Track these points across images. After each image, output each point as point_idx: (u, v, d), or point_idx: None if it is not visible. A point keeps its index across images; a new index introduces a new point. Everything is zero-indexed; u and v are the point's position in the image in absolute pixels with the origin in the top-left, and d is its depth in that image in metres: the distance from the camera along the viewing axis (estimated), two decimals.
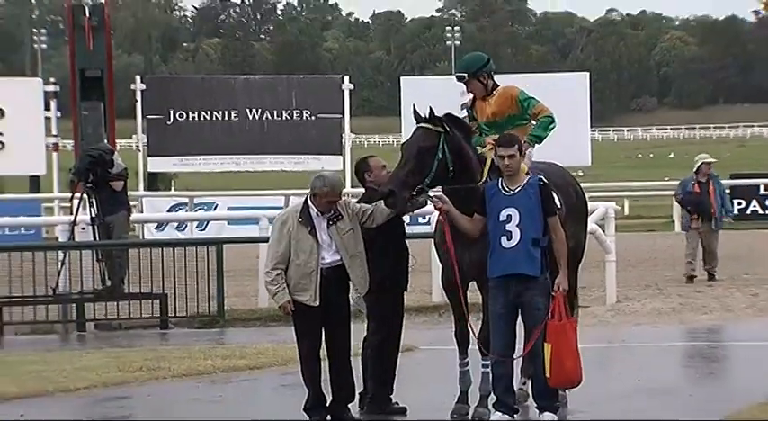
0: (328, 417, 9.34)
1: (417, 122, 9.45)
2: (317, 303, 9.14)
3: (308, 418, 9.29)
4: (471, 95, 10.12)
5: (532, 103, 9.88)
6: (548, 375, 8.91)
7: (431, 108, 9.46)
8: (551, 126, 9.90)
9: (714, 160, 19.87)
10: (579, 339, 9.61)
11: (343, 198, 9.40)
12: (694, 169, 19.31)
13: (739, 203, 34.15)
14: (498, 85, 10.06)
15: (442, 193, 9.33)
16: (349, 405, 9.42)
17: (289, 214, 9.35)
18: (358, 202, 9.82)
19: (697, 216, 18.96)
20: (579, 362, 8.98)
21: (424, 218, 24.07)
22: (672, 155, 79.24)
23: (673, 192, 20.55)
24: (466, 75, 9.98)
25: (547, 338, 8.90)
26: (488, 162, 9.52)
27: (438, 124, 9.35)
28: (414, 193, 9.17)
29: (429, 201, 9.34)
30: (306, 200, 9.31)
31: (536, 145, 9.84)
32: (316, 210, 9.21)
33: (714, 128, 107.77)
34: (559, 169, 10.14)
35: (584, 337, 10.45)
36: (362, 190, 10.13)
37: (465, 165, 9.36)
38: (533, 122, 9.90)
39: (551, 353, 8.87)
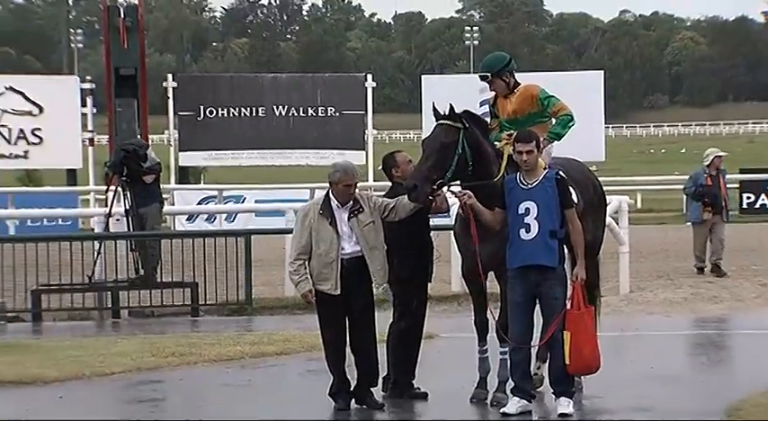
0: (352, 401, 9.36)
1: (437, 119, 9.44)
2: (338, 292, 9.17)
3: (333, 403, 9.30)
4: (493, 93, 10.12)
5: (552, 101, 9.86)
6: (567, 362, 8.90)
7: (450, 105, 9.47)
8: (570, 124, 9.87)
9: (725, 154, 19.79)
10: (598, 327, 9.64)
11: (365, 192, 9.46)
12: (706, 163, 19.19)
13: (748, 197, 34.07)
14: (519, 84, 10.05)
15: (466, 190, 9.32)
16: (372, 389, 9.42)
17: (310, 207, 9.43)
18: (385, 196, 9.85)
19: (710, 208, 18.87)
20: (597, 350, 8.98)
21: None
22: (683, 150, 78.91)
23: (683, 187, 20.28)
24: (489, 74, 9.97)
25: (566, 326, 8.88)
26: (505, 157, 9.52)
27: (458, 120, 9.35)
28: (435, 187, 9.19)
29: (454, 196, 9.33)
30: (327, 193, 9.34)
31: (555, 142, 9.84)
32: (336, 202, 9.25)
33: (724, 125, 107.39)
34: (579, 165, 10.13)
35: (599, 326, 10.43)
36: (389, 184, 10.14)
37: (483, 160, 9.36)
38: (553, 120, 9.89)
39: (570, 341, 8.86)
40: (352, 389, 9.39)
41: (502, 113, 10.00)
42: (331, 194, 9.29)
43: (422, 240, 9.81)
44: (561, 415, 8.90)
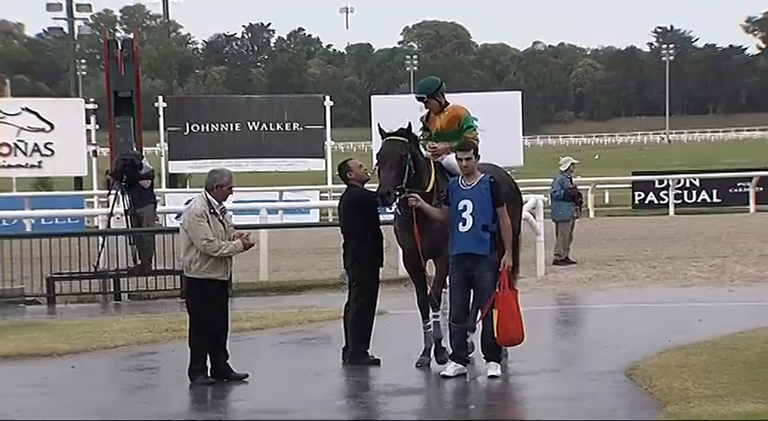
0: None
1: (383, 137, 9.50)
2: (227, 277, 9.21)
3: (191, 380, 8.98)
4: (427, 111, 10.10)
5: (470, 128, 9.91)
6: (495, 336, 8.90)
7: (403, 125, 9.52)
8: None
9: (578, 161, 19.90)
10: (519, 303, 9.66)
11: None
12: (563, 168, 18.80)
13: (639, 195, 34.37)
14: (449, 103, 10.04)
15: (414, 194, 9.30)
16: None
17: (201, 208, 9.04)
18: (342, 197, 9.83)
19: (579, 206, 18.84)
20: (521, 326, 8.95)
21: (391, 207, 24.09)
22: (597, 157, 78.96)
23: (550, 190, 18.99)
24: (425, 95, 9.97)
25: (494, 306, 8.89)
26: (434, 165, 9.59)
27: (405, 136, 9.43)
28: (397, 193, 9.25)
29: (404, 200, 9.30)
30: (206, 196, 9.10)
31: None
32: (216, 203, 9.10)
33: (618, 136, 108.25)
34: (496, 168, 10.12)
35: (521, 302, 10.47)
36: (344, 186, 10.15)
37: (419, 169, 9.43)
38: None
39: (498, 318, 8.86)
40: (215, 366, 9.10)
41: (432, 128, 9.99)
42: (210, 196, 9.06)
43: (376, 229, 9.79)
44: (490, 376, 8.91)
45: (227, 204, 9.46)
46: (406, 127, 9.58)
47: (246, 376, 9.08)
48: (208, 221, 8.97)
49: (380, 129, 9.58)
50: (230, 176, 9.23)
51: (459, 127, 9.87)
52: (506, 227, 9.04)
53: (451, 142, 9.69)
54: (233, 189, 9.24)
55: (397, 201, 9.47)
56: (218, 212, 9.08)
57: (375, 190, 9.36)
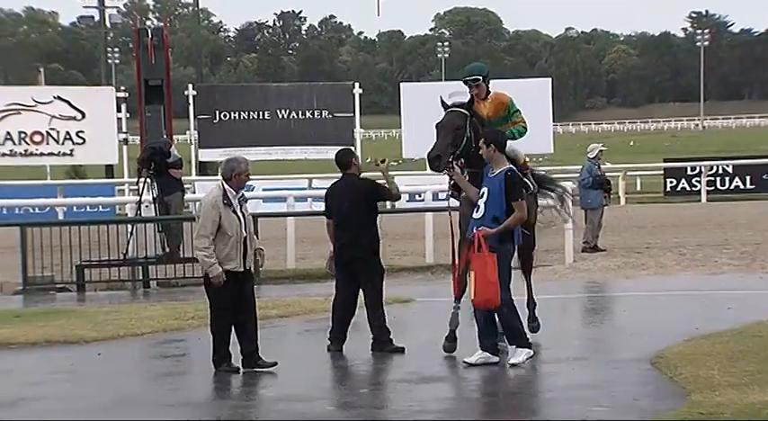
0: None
1: (445, 108, 9.49)
2: (243, 269, 8.93)
3: (215, 368, 8.96)
4: (468, 96, 9.87)
5: (517, 112, 9.93)
6: (472, 298, 8.87)
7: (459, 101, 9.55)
8: (524, 133, 9.97)
9: (607, 148, 19.64)
10: (547, 291, 9.64)
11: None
12: (591, 155, 18.49)
13: (671, 182, 34.12)
14: (491, 91, 9.97)
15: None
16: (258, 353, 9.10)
17: (215, 198, 8.86)
18: (337, 185, 9.80)
19: (607, 194, 18.63)
20: (497, 288, 8.78)
21: (420, 195, 24.04)
22: (632, 143, 78.47)
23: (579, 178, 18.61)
24: (481, 76, 9.85)
25: (471, 267, 8.90)
26: None
27: (466, 109, 9.43)
28: (450, 160, 9.22)
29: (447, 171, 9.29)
30: (222, 185, 8.92)
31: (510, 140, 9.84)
32: (233, 192, 8.91)
33: (651, 122, 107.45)
34: None
35: (549, 290, 10.48)
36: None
37: (477, 147, 9.26)
38: (512, 126, 9.87)
39: (474, 278, 8.83)
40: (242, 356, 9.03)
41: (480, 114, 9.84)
42: (226, 186, 8.88)
43: (376, 216, 9.87)
44: (511, 364, 8.85)
45: (257, 193, 9.37)
46: (468, 100, 9.56)
47: (275, 364, 9.02)
48: (220, 214, 8.77)
49: (443, 102, 9.57)
50: (247, 163, 9.06)
51: (505, 113, 9.86)
52: (516, 218, 8.85)
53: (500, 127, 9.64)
54: (248, 176, 9.07)
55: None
56: (235, 203, 8.88)
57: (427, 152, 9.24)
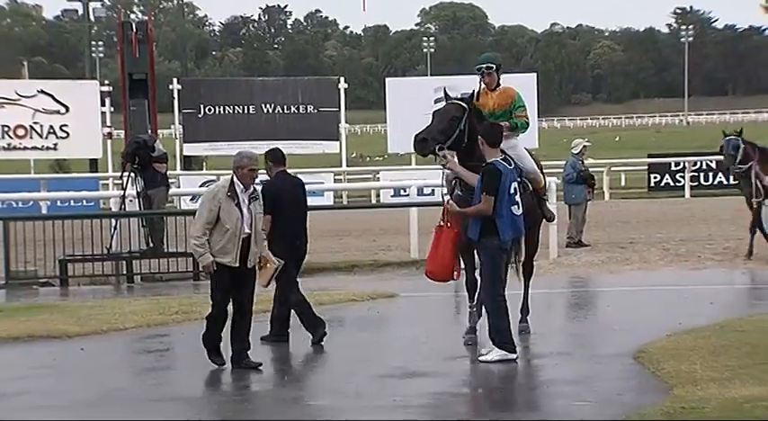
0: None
1: (447, 100, 9.49)
2: (237, 264, 8.69)
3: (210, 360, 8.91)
4: (478, 89, 9.86)
5: (521, 108, 9.96)
6: (426, 266, 9.20)
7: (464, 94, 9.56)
8: (526, 127, 10.05)
9: (590, 143, 19.68)
10: (531, 286, 9.69)
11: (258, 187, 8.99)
12: (576, 151, 18.49)
13: (655, 177, 34.20)
14: (500, 83, 9.95)
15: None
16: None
17: (218, 189, 8.78)
18: (274, 183, 9.86)
19: (591, 189, 18.64)
20: (451, 263, 9.02)
21: (405, 190, 24.04)
22: (618, 138, 78.60)
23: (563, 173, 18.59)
24: (495, 65, 9.86)
25: (432, 240, 9.17)
26: None
27: (466, 103, 9.40)
28: (435, 148, 9.15)
29: (442, 158, 9.24)
30: (232, 177, 8.80)
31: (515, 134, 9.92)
32: (241, 186, 8.74)
33: (636, 117, 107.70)
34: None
35: (533, 285, 10.48)
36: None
37: (472, 138, 9.19)
38: (516, 120, 9.92)
39: (439, 249, 9.03)
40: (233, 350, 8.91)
41: (484, 107, 9.84)
42: (236, 179, 8.75)
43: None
44: (480, 360, 8.79)
45: None
46: (470, 94, 9.58)
47: (260, 364, 8.91)
48: (219, 205, 8.66)
49: (446, 94, 9.57)
50: (250, 158, 8.81)
51: (511, 106, 9.86)
52: (476, 208, 8.82)
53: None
54: (255, 172, 8.80)
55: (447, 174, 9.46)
56: (241, 197, 8.67)
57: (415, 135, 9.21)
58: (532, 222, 9.77)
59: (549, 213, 10.48)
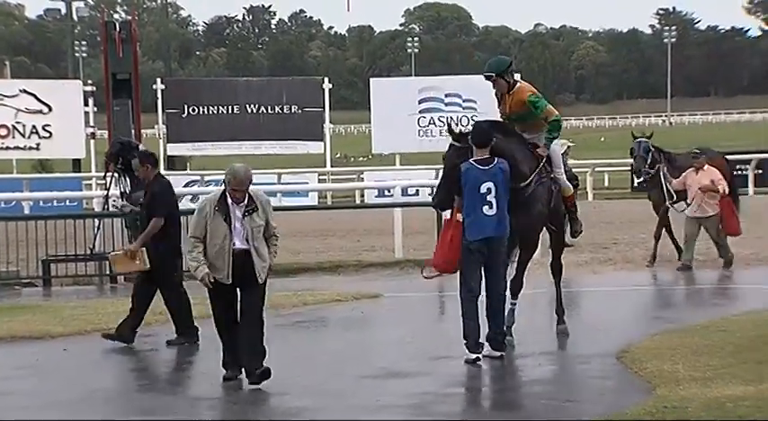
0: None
1: (451, 136, 9.17)
2: (230, 281, 8.18)
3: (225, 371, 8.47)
4: (496, 90, 9.73)
5: (541, 106, 9.62)
6: (433, 258, 9.25)
7: (463, 129, 9.28)
8: (560, 126, 9.82)
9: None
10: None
11: (263, 195, 8.43)
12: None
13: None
14: (517, 83, 9.74)
15: None
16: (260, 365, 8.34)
17: (207, 202, 8.33)
18: (157, 186, 10.30)
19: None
20: (443, 254, 9.05)
21: (389, 191, 24.06)
22: (602, 139, 78.73)
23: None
24: (493, 74, 9.63)
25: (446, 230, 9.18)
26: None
27: (465, 142, 9.03)
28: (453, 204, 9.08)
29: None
30: (224, 190, 8.28)
31: (552, 143, 9.79)
32: (231, 200, 8.20)
33: (620, 118, 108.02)
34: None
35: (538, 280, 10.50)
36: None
37: None
38: (546, 124, 9.72)
39: (449, 242, 9.00)
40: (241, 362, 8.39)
41: (505, 109, 9.72)
42: (227, 192, 8.24)
43: None
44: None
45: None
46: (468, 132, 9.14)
47: (269, 371, 8.26)
48: (206, 219, 8.22)
49: (450, 130, 9.19)
50: (234, 175, 8.12)
51: (526, 110, 9.57)
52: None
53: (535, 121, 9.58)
54: (240, 190, 8.12)
55: None
56: (232, 210, 8.14)
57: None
58: (558, 224, 9.85)
59: (569, 239, 10.43)
